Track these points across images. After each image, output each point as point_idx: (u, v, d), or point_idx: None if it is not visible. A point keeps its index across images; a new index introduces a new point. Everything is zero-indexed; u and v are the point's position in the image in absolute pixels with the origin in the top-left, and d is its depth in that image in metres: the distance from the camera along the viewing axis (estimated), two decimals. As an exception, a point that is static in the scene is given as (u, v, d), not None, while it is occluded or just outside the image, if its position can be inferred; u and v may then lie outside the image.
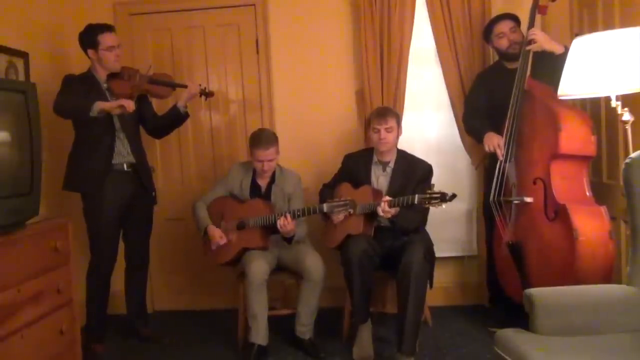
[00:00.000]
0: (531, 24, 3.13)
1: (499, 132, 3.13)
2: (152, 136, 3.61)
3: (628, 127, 2.47)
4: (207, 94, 3.47)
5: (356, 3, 3.74)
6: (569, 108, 2.88)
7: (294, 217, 3.11)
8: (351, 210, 3.03)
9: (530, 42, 3.04)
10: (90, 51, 3.21)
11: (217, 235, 3.26)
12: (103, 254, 3.27)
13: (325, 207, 3.09)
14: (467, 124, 3.47)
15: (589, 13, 3.23)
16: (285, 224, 3.09)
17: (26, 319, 2.44)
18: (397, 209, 2.96)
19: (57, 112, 3.06)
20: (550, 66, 3.00)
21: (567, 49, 2.90)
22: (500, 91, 3.13)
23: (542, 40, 3.02)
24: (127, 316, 3.55)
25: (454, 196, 2.81)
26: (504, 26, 3.26)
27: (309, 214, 3.16)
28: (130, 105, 3.00)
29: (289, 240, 3.22)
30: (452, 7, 3.63)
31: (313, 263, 3.12)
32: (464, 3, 3.63)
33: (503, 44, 3.27)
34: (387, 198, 2.98)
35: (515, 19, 3.28)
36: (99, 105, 2.97)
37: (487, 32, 3.36)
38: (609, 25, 2.90)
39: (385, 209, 2.94)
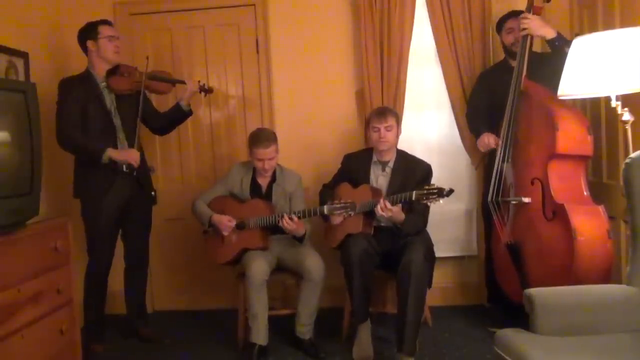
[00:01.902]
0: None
1: (498, 130, 3.13)
2: (156, 134, 3.65)
3: (628, 127, 2.47)
4: (206, 90, 3.49)
5: (356, 3, 3.74)
6: (565, 108, 2.88)
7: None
8: (352, 213, 3.02)
9: (524, 29, 3.06)
10: (89, 42, 3.22)
11: (225, 219, 3.23)
12: (100, 254, 3.27)
13: (325, 209, 3.09)
14: (469, 123, 3.51)
15: (589, 13, 3.24)
16: (289, 222, 3.09)
17: (26, 319, 2.44)
18: (398, 207, 2.97)
19: (63, 147, 3.16)
20: (547, 67, 3.01)
21: (559, 35, 2.98)
22: (503, 89, 3.13)
23: (533, 28, 3.02)
24: (127, 316, 3.55)
25: (451, 191, 2.82)
26: (516, 22, 3.23)
27: (310, 216, 3.16)
28: (137, 160, 3.19)
29: (300, 239, 3.23)
30: (452, 7, 3.63)
31: (313, 263, 3.12)
32: (464, 3, 3.63)
33: (509, 39, 3.30)
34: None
35: None
36: (108, 153, 3.13)
37: (500, 24, 3.38)
38: (609, 25, 2.90)
39: (383, 207, 2.94)
